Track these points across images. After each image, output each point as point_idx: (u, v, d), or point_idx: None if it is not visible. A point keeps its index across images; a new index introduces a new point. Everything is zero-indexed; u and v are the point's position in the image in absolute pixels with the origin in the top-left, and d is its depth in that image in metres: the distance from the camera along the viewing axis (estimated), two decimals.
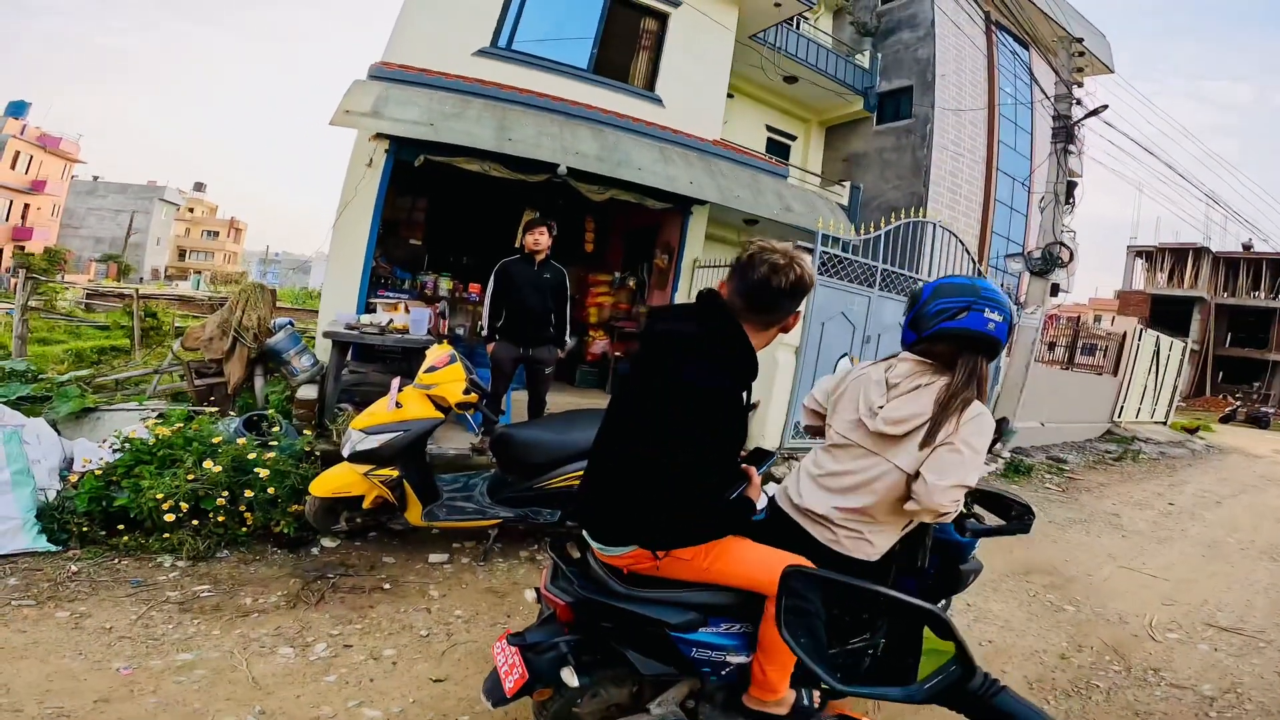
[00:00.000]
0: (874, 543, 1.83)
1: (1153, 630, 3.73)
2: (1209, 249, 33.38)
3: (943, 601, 2.45)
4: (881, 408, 1.79)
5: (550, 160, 6.50)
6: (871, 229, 6.91)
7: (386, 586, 3.29)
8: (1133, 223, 74.79)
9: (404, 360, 5.39)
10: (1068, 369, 12.36)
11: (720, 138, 9.02)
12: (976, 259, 8.56)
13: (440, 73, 6.89)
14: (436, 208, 8.69)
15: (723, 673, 1.78)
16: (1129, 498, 7.81)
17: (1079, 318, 16.47)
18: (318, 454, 4.04)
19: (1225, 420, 23.60)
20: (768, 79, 12.88)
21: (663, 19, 8.53)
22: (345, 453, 3.34)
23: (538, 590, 1.92)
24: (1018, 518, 2.21)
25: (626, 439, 1.73)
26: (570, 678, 1.69)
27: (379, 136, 6.25)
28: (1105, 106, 9.60)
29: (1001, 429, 2.09)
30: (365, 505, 3.41)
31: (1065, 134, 9.42)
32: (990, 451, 7.38)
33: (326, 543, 3.66)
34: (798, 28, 13.10)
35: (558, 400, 5.25)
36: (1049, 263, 8.69)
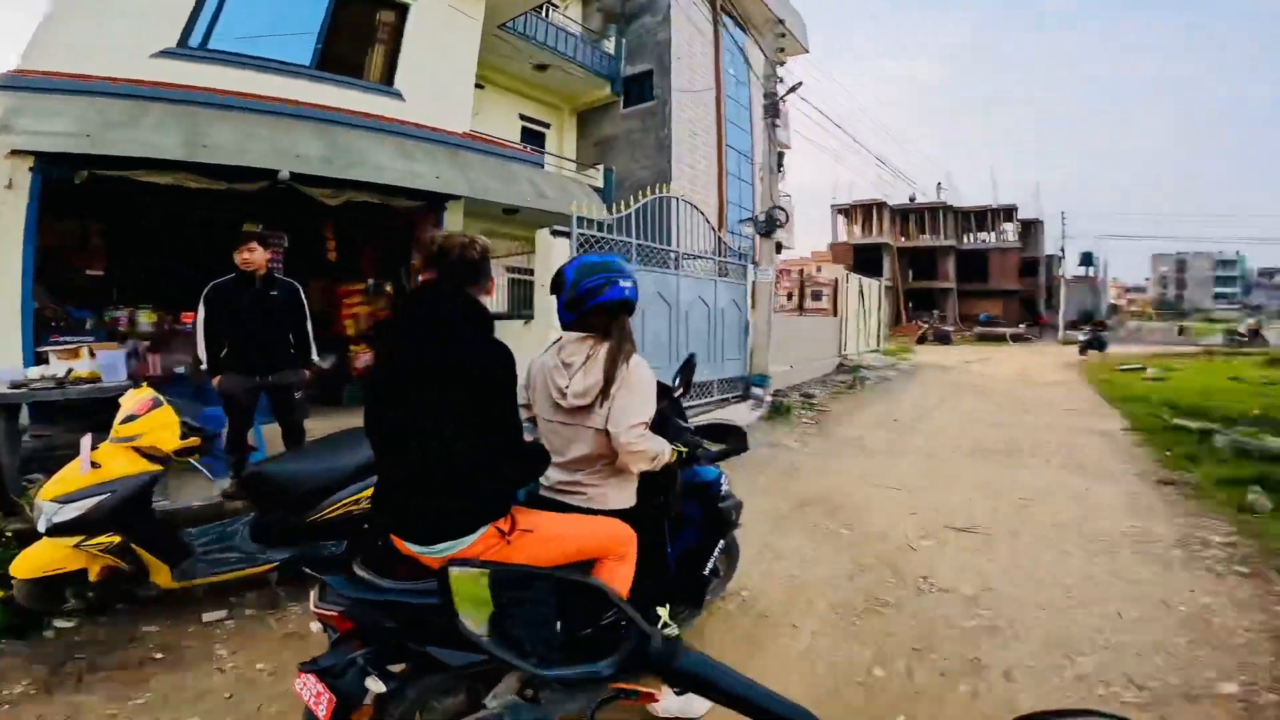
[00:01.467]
0: (617, 493, 2.18)
1: (910, 541, 4.36)
2: (887, 203, 40.80)
3: (720, 543, 2.73)
4: (567, 386, 2.09)
5: (262, 166, 5.85)
6: (623, 208, 7.29)
7: (159, 656, 2.86)
8: (834, 185, 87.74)
9: (100, 414, 4.45)
10: (802, 315, 14.20)
11: (470, 130, 8.86)
12: (716, 227, 9.40)
13: (104, 77, 5.83)
14: (121, 229, 7.15)
15: None
16: (866, 421, 9.17)
17: (803, 270, 19.21)
18: (10, 534, 3.55)
19: (920, 341, 29.25)
20: (519, 68, 12.82)
21: (401, 10, 8.07)
22: (41, 528, 2.89)
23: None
24: (736, 439, 2.62)
25: (418, 434, 1.78)
26: (375, 685, 1.66)
27: (17, 153, 5.13)
28: (800, 84, 11.00)
29: (690, 363, 2.59)
30: (93, 578, 3.00)
31: (772, 109, 10.53)
32: (753, 398, 8.19)
33: (60, 623, 3.06)
34: (547, 16, 13.12)
35: (324, 425, 4.70)
36: (771, 225, 9.77)
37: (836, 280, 16.28)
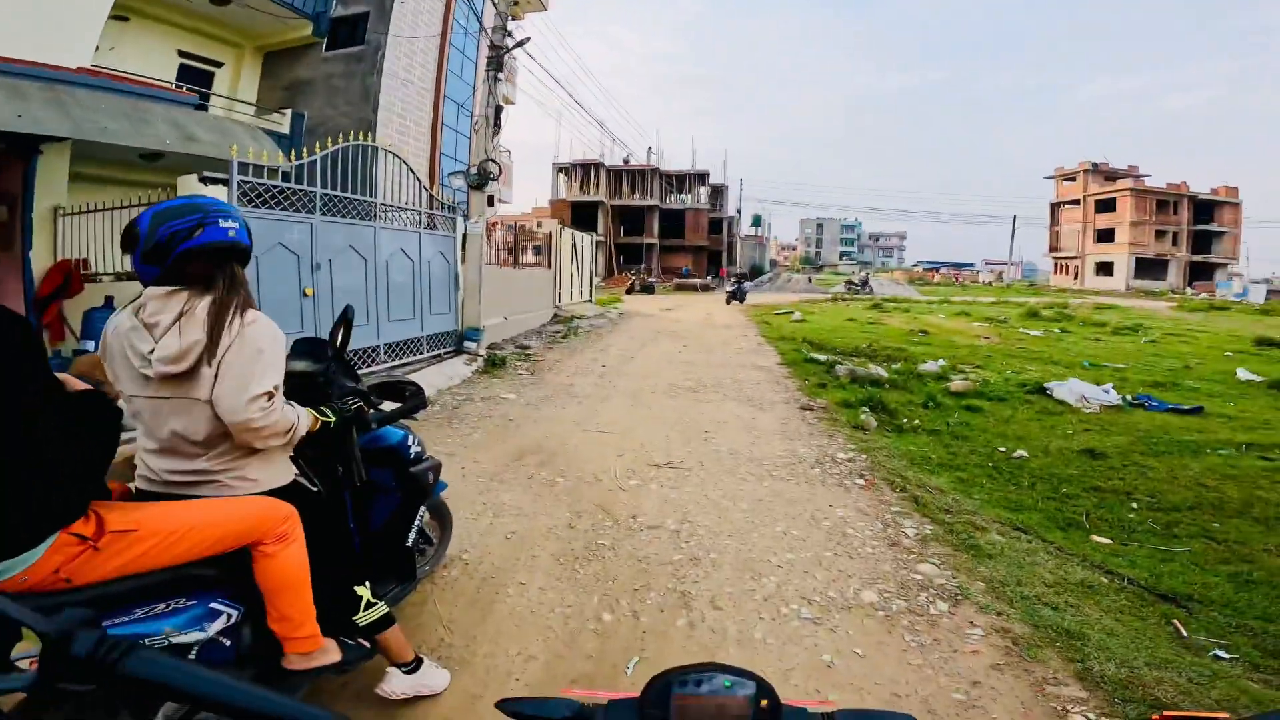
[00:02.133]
0: (263, 471, 1.82)
1: (620, 482, 4.60)
2: (604, 164, 43.88)
3: (422, 510, 2.57)
4: (152, 351, 1.66)
5: None
6: (311, 154, 6.66)
7: None
8: (558, 144, 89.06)
9: None
10: (518, 268, 14.22)
11: (93, 65, 7.56)
12: (427, 181, 8.99)
13: None
14: None
15: (189, 659, 1.50)
16: (577, 368, 9.53)
17: (517, 223, 19.32)
18: None
19: (629, 292, 32.30)
20: (186, 0, 10.35)
21: None
22: None
23: None
24: (412, 395, 2.43)
25: None
26: None
27: None
28: (529, 39, 10.78)
29: (347, 315, 2.22)
30: None
31: (497, 63, 10.41)
32: (467, 353, 7.98)
33: None
34: None
35: None
36: (484, 178, 9.78)
37: (551, 233, 16.59)
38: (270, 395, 1.69)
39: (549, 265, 16.33)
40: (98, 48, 8.10)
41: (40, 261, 6.72)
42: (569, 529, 3.74)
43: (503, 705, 0.67)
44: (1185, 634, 2.74)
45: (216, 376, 1.65)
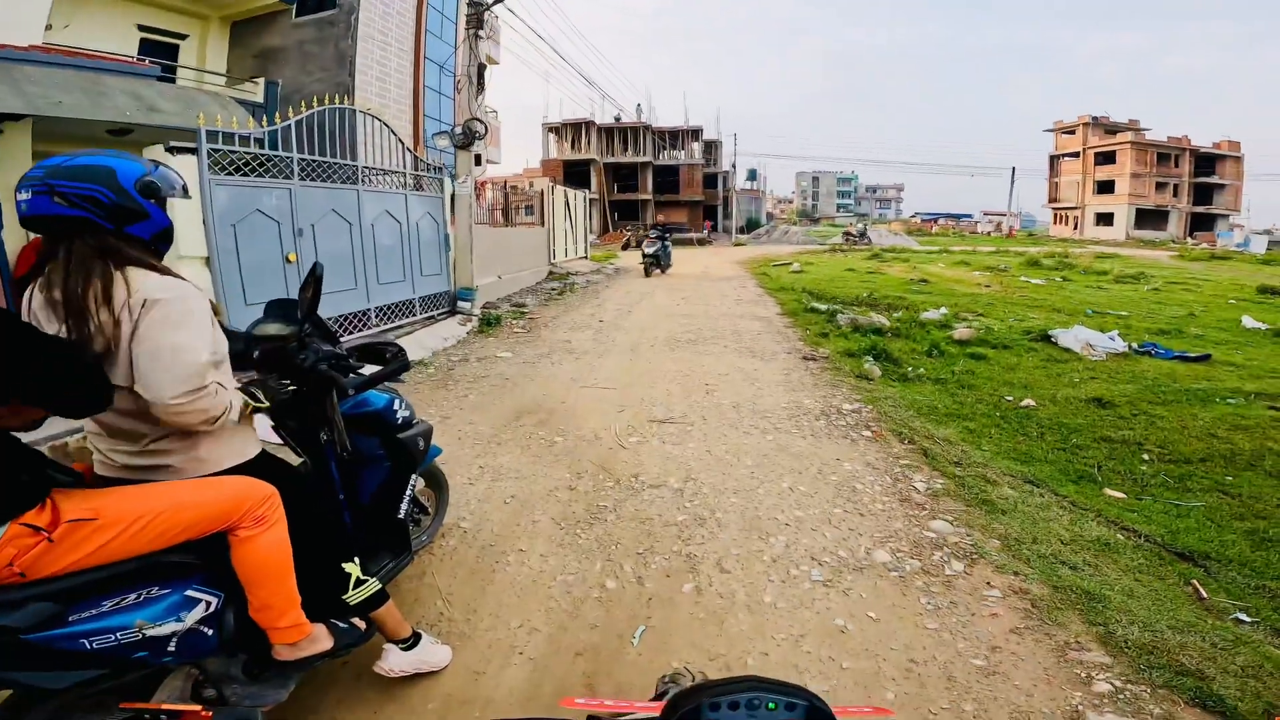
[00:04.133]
0: (219, 448, 1.65)
1: (619, 440, 4.47)
2: (594, 122, 43.22)
3: (414, 478, 2.45)
4: (58, 331, 1.45)
5: None
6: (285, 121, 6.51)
7: None
8: (546, 104, 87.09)
9: None
10: (511, 227, 13.97)
11: (45, 43, 7.48)
12: (410, 143, 8.73)
13: None
14: None
15: (169, 651, 1.50)
16: (574, 323, 9.35)
17: (507, 183, 19.05)
18: None
19: (625, 248, 31.76)
20: None
21: None
22: None
23: None
24: (394, 358, 2.27)
25: None
26: None
27: None
28: None
29: (315, 272, 1.95)
30: None
31: (477, 20, 10.08)
32: (461, 313, 7.79)
33: None
34: None
35: None
36: (470, 137, 9.59)
37: (543, 192, 16.40)
38: (201, 387, 1.47)
39: (542, 223, 16.10)
40: (49, 25, 8.01)
41: (14, 242, 6.58)
42: (569, 491, 3.63)
43: None
44: (1204, 595, 2.65)
45: (131, 363, 1.44)
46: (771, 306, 11.22)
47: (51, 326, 1.45)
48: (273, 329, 2.02)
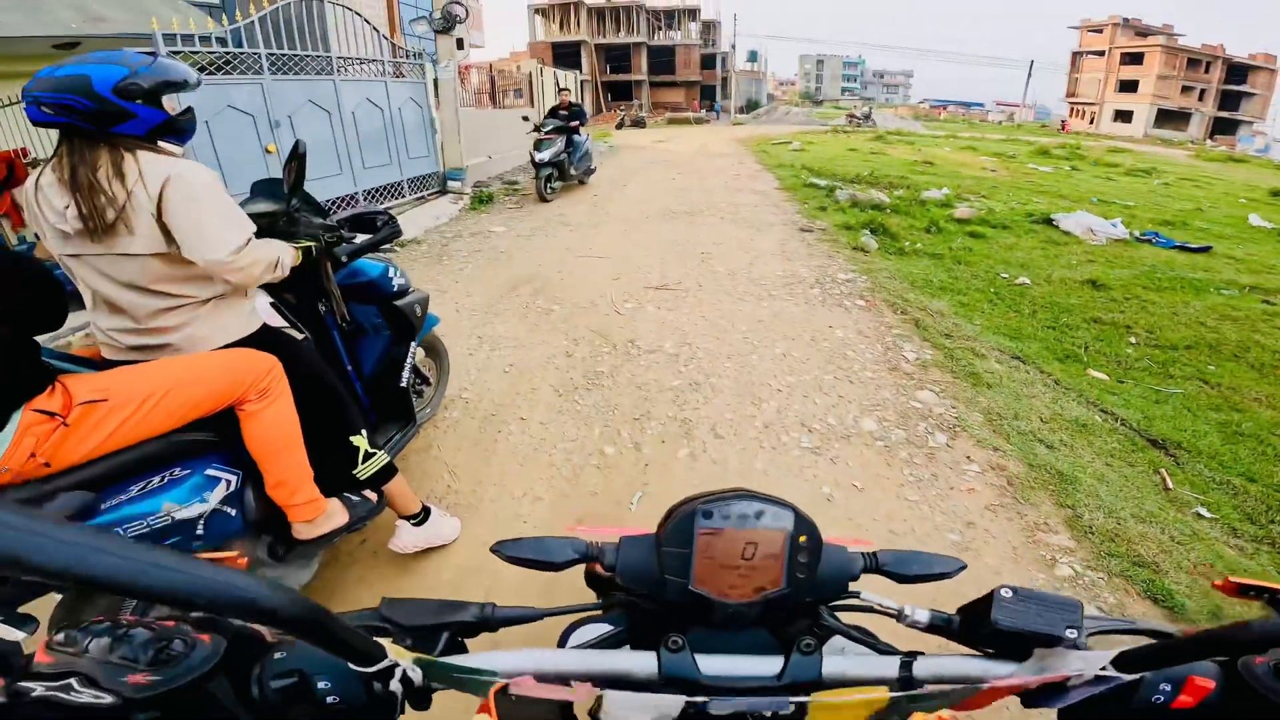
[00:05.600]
0: (218, 321, 1.66)
1: (615, 306, 4.46)
2: (584, 2, 41.45)
3: (415, 347, 2.46)
4: (68, 206, 1.47)
5: None
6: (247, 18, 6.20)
7: None
8: None
9: None
10: (500, 109, 13.37)
11: None
12: (387, 30, 8.48)
13: None
14: None
15: (198, 535, 1.54)
16: (568, 198, 9.13)
17: (493, 67, 18.18)
18: None
19: (619, 127, 31.23)
20: None
21: None
22: None
23: None
24: (385, 224, 2.28)
25: None
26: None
27: None
28: None
29: (298, 150, 1.93)
30: None
31: None
32: (451, 192, 7.63)
33: None
34: None
35: None
36: (449, 21, 9.00)
37: (530, 74, 15.70)
38: (248, 242, 1.58)
39: (531, 105, 15.51)
40: None
41: None
42: (567, 358, 3.67)
43: (499, 549, 0.57)
44: (1170, 485, 2.71)
45: (186, 237, 1.49)
46: (769, 182, 10.94)
47: (61, 201, 1.46)
48: (262, 206, 1.98)
